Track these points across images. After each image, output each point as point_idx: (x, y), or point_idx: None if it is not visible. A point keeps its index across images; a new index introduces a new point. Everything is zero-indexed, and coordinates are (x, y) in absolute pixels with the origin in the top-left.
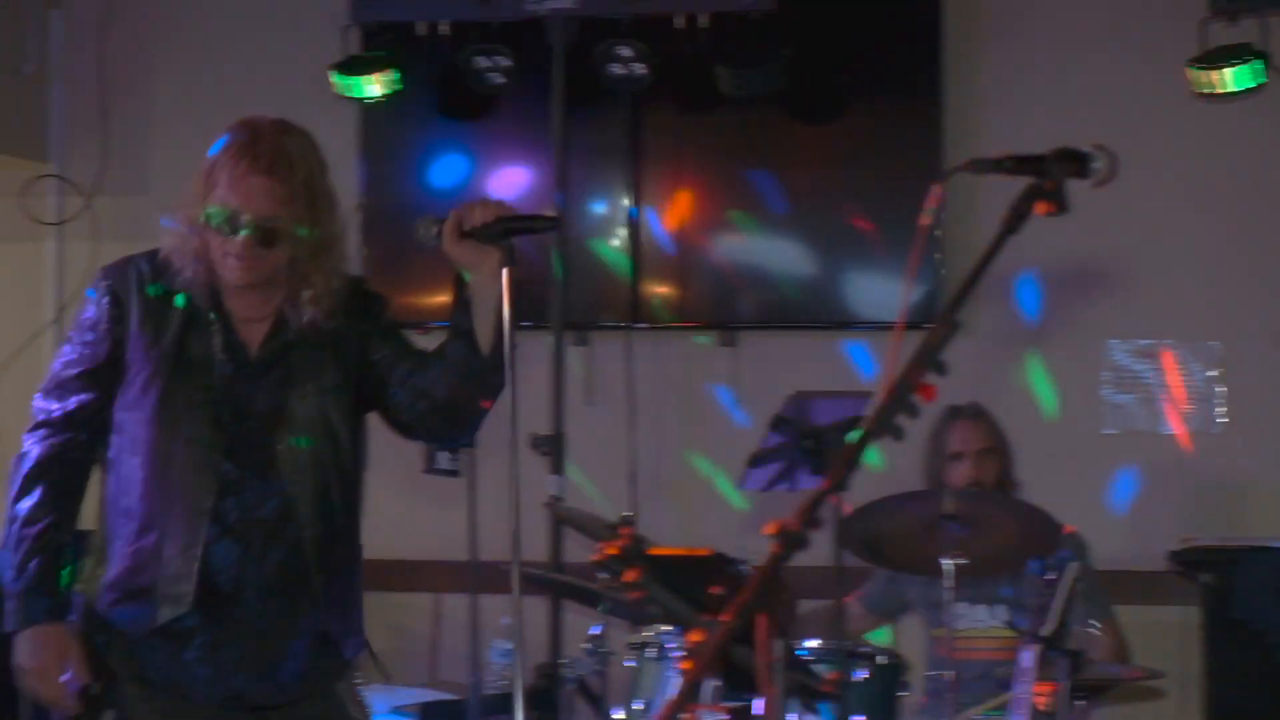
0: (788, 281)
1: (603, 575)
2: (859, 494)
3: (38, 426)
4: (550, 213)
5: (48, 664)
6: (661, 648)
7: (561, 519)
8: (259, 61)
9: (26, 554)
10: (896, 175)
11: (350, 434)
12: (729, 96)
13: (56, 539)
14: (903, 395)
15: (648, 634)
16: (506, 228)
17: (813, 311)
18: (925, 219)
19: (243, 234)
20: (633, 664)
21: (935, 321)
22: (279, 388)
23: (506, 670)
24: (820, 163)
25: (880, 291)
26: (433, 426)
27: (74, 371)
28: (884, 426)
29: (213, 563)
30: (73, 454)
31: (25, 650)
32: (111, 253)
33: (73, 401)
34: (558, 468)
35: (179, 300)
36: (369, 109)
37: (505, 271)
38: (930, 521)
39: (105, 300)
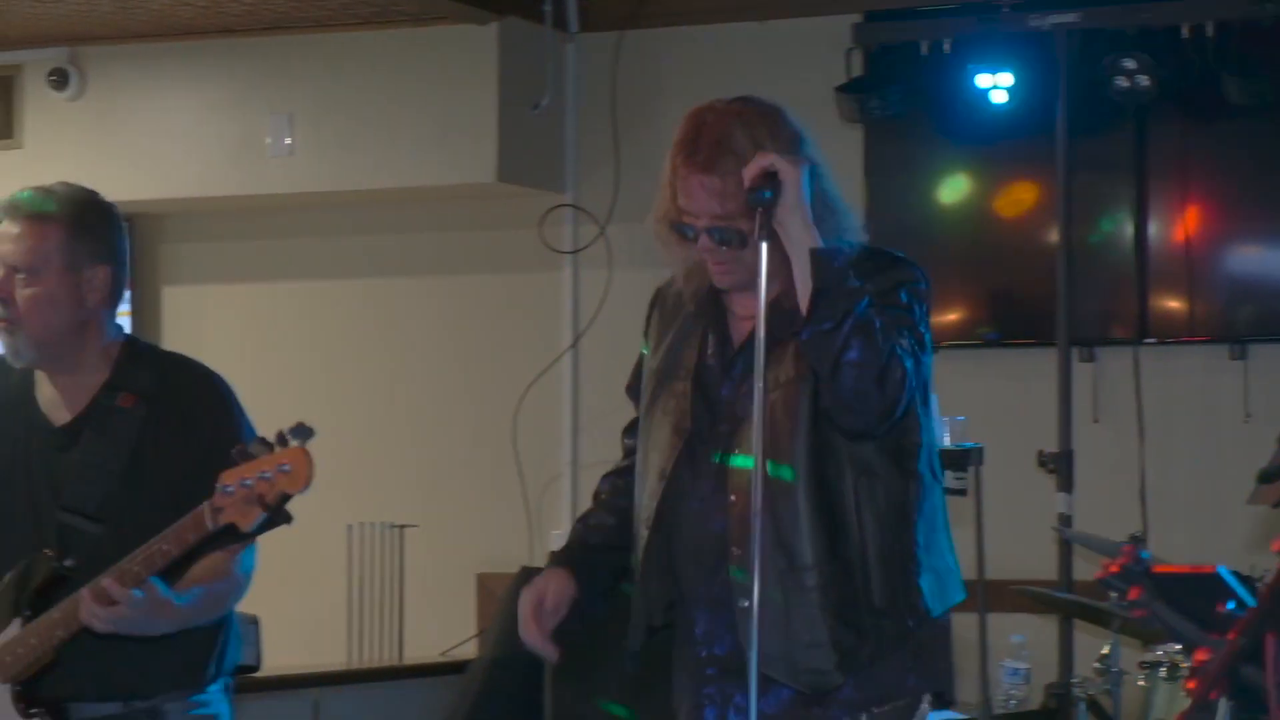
0: None
1: (1112, 594)
2: None
3: None
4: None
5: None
6: (1173, 666)
7: (1069, 539)
8: (765, 86)
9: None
10: None
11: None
12: (1237, 106)
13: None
14: None
15: (1159, 652)
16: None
17: None
18: None
19: (701, 239)
20: (1144, 683)
21: None
22: (740, 383)
23: (1015, 689)
24: None
25: None
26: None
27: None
28: None
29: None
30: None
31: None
32: (624, 280)
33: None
34: (1066, 485)
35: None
36: (873, 129)
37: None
38: None
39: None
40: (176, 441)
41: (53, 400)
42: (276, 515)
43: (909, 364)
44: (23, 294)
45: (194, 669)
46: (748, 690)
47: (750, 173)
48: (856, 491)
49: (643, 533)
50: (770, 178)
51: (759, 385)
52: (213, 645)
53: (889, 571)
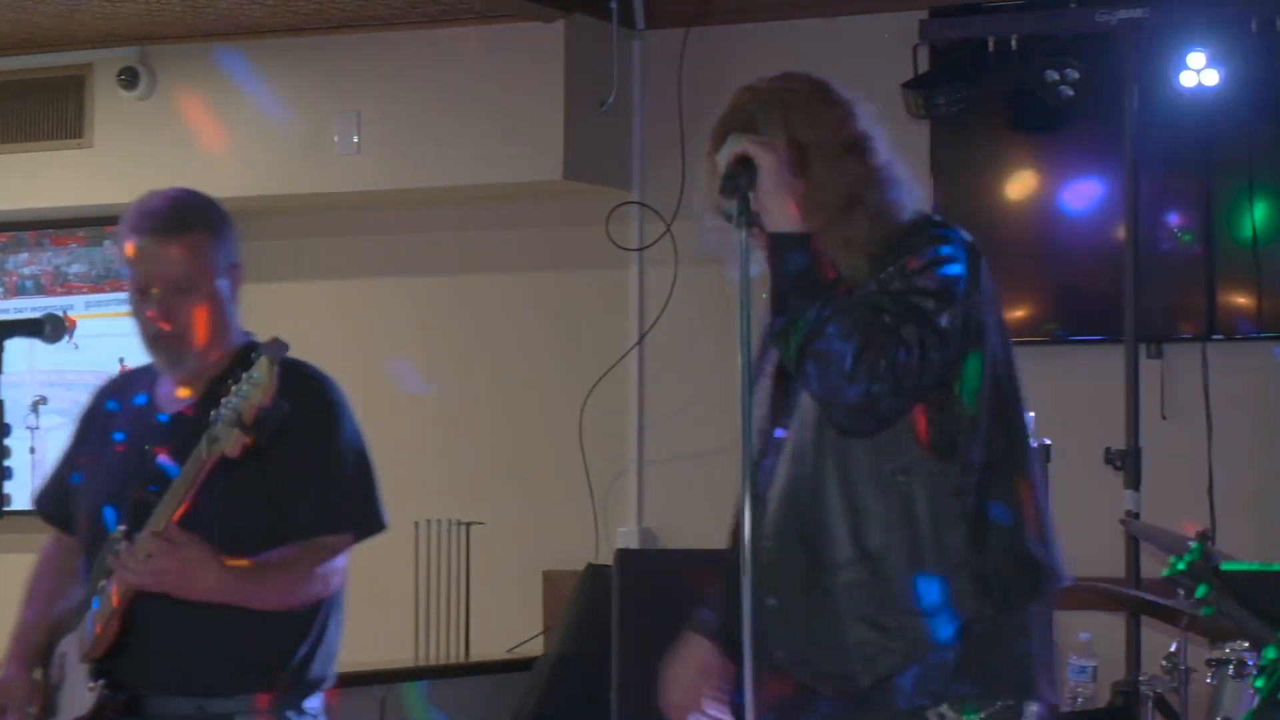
0: None
1: (1180, 591)
2: None
3: None
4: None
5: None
6: (1241, 664)
7: (1137, 535)
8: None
9: None
10: None
11: None
12: None
13: None
14: None
15: (1227, 650)
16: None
17: None
18: None
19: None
20: (1212, 680)
21: None
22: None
23: (1083, 687)
24: None
25: None
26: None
27: None
28: None
29: None
30: None
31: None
32: (690, 277)
33: None
34: (1133, 483)
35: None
36: (940, 126)
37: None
38: None
39: None
40: (272, 454)
41: (168, 396)
42: (256, 432)
43: (901, 355)
44: (183, 308)
45: (271, 672)
46: (791, 691)
47: (724, 160)
48: (887, 487)
49: None
50: (745, 163)
51: (744, 377)
52: (293, 649)
53: (924, 570)
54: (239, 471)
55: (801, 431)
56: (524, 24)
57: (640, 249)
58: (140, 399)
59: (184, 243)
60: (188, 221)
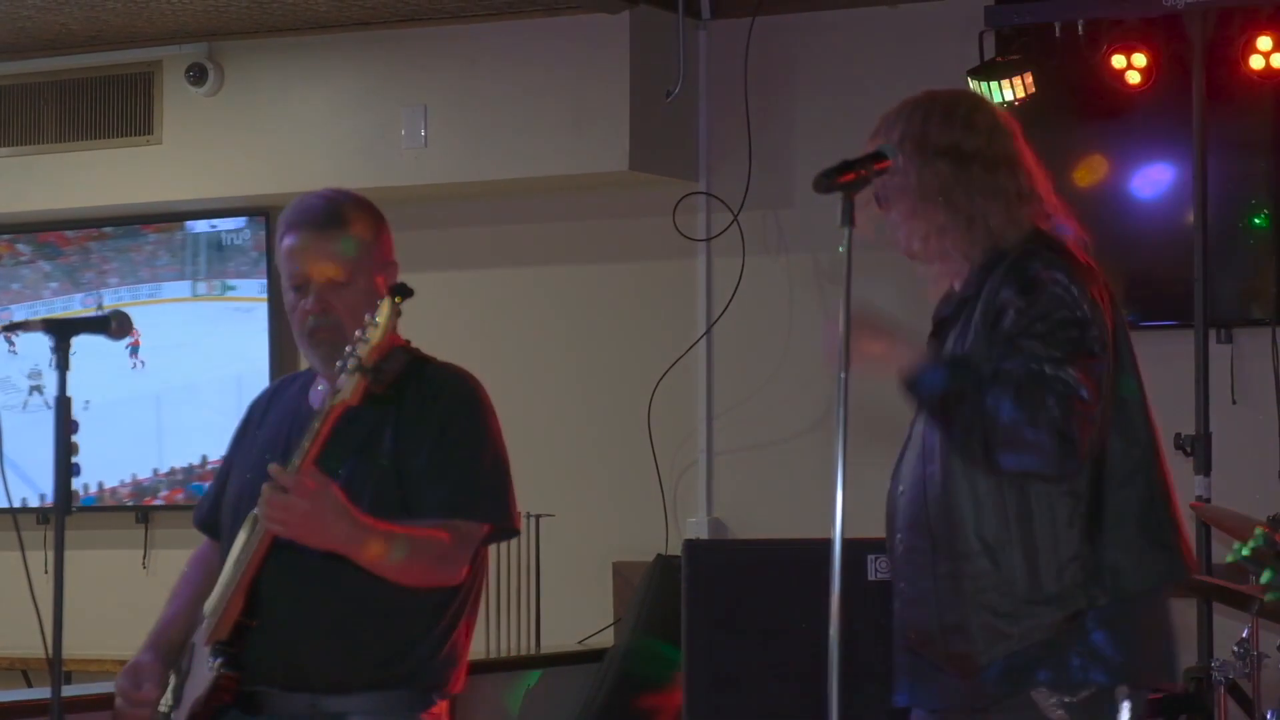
0: None
1: (1251, 577)
2: None
3: None
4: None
5: None
6: None
7: (1208, 519)
8: (896, 71)
9: None
10: None
11: None
12: None
13: None
14: None
15: None
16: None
17: None
18: None
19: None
20: None
21: None
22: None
23: None
24: None
25: None
26: None
27: None
28: None
29: None
30: None
31: None
32: (757, 266)
33: None
34: (1203, 468)
35: None
36: (1007, 112)
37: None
38: None
39: None
40: (410, 429)
41: (321, 394)
42: (375, 375)
43: (1081, 393)
44: (340, 302)
45: (390, 669)
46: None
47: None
48: (1007, 484)
49: None
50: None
51: (841, 374)
52: (414, 645)
53: (1039, 561)
54: (373, 442)
55: (930, 432)
56: (590, 15)
57: (707, 239)
58: (292, 398)
59: (340, 238)
60: (345, 218)
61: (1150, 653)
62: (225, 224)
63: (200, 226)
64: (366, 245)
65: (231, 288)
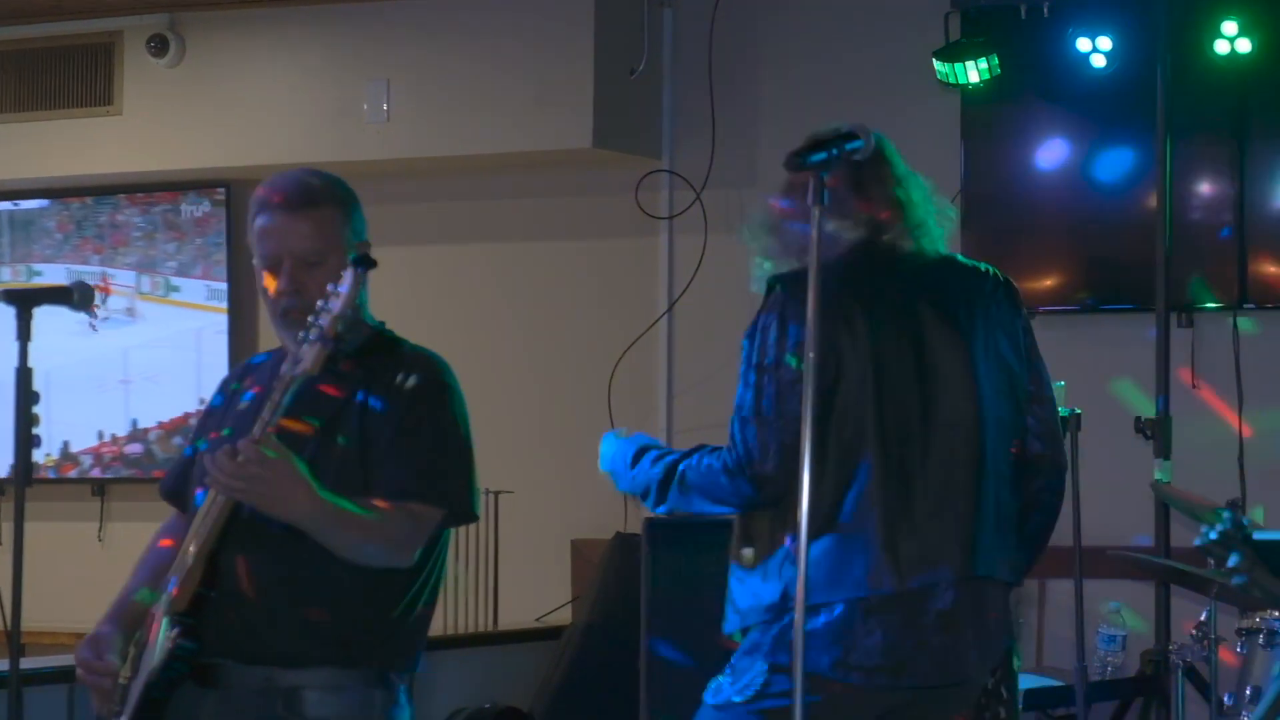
0: None
1: (1211, 560)
2: None
3: None
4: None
5: None
6: (1271, 633)
7: (1166, 501)
8: (861, 51)
9: None
10: None
11: None
12: None
13: None
14: None
15: (1257, 619)
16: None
17: None
18: None
19: None
20: (1242, 650)
21: None
22: None
23: (1112, 656)
24: None
25: None
26: None
27: None
28: None
29: None
30: None
31: None
32: (720, 245)
33: None
34: (1163, 452)
35: None
36: (971, 94)
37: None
38: None
39: None
40: (378, 410)
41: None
42: (335, 344)
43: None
44: (312, 282)
45: (349, 645)
46: None
47: None
48: None
49: None
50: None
51: (809, 356)
52: (371, 624)
53: None
54: (340, 421)
55: None
56: None
57: (670, 217)
58: (264, 375)
59: (312, 217)
60: (316, 197)
61: None
62: (28, 204)
63: (3, 205)
64: (339, 224)
65: (38, 273)
